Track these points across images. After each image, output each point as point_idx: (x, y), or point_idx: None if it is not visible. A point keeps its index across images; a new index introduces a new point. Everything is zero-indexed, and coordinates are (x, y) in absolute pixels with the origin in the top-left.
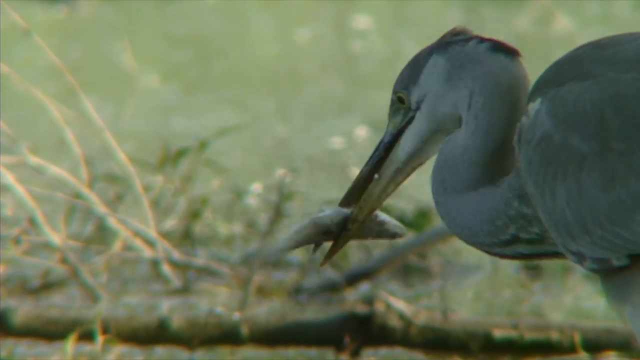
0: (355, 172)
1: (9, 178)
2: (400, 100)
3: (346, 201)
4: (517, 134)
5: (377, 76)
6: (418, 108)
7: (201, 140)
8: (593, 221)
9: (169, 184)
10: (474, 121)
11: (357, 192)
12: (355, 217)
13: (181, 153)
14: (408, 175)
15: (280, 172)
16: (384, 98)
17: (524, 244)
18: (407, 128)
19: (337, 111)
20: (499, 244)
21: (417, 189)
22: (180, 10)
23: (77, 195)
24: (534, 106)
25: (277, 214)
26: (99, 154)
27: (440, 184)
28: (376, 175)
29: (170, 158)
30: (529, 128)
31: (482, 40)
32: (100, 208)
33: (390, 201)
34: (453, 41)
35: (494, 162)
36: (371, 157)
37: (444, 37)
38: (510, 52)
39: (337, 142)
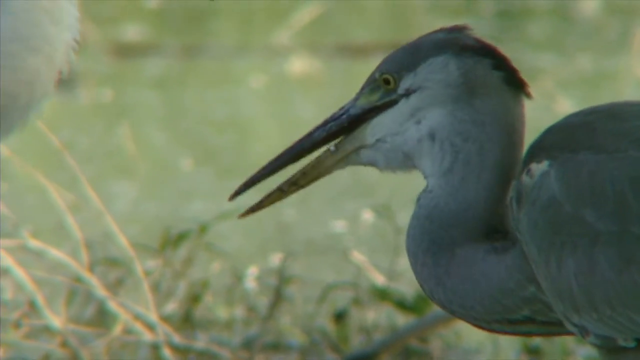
0: (356, 256)
1: (10, 261)
2: (385, 81)
3: (288, 158)
4: (514, 192)
5: None
6: (406, 96)
7: (201, 224)
8: (603, 300)
9: (170, 267)
10: (466, 165)
11: (301, 153)
12: (296, 181)
13: (182, 237)
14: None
15: (279, 255)
16: (398, 183)
17: (538, 325)
18: (385, 111)
19: (357, 194)
20: (503, 322)
21: None
22: (223, 95)
23: (78, 279)
24: (539, 167)
25: (277, 297)
26: (101, 238)
27: (431, 242)
28: (332, 148)
29: (171, 242)
30: (533, 189)
31: (497, 65)
32: (101, 291)
33: (389, 284)
34: (467, 48)
35: (492, 211)
36: (327, 123)
37: (454, 35)
38: (520, 87)
39: (339, 225)
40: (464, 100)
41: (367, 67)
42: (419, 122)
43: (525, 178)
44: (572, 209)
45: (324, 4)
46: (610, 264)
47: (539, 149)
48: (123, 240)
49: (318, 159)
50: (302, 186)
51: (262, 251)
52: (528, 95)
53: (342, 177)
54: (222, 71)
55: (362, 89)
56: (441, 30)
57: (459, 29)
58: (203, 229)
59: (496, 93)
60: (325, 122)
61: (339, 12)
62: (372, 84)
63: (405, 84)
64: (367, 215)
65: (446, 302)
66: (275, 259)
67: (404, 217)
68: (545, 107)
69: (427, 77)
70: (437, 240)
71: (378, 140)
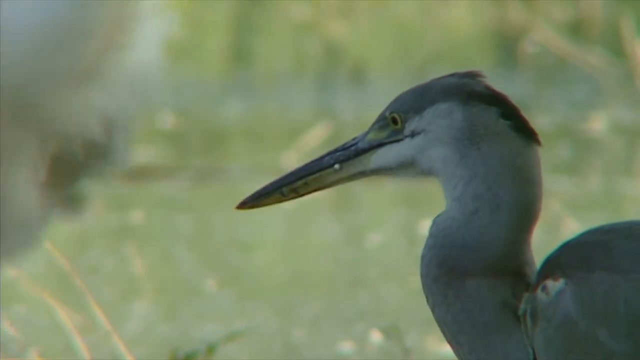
0: None
1: None
2: (393, 120)
3: (298, 174)
4: (529, 306)
5: None
6: (410, 136)
7: (209, 345)
8: None
9: None
10: (476, 200)
11: (310, 173)
12: (296, 189)
13: (189, 358)
14: (360, 179)
15: None
16: (406, 304)
17: None
18: (390, 144)
19: (366, 314)
20: None
21: None
22: (252, 218)
23: None
24: (555, 285)
25: None
26: (109, 358)
27: (443, 261)
28: (337, 166)
29: None
30: (549, 306)
31: (504, 113)
32: None
33: None
34: (474, 96)
35: (507, 256)
36: (336, 152)
37: (464, 81)
38: (529, 136)
39: (347, 346)
40: (469, 141)
41: (383, 188)
42: (425, 154)
43: (540, 294)
44: (586, 328)
45: (334, 123)
46: None
47: (555, 266)
48: None
49: (321, 173)
50: (301, 195)
51: None
52: (538, 143)
53: (353, 299)
54: (243, 193)
55: (373, 124)
56: (454, 75)
57: (471, 75)
58: (211, 349)
59: (503, 139)
60: (336, 150)
61: (350, 133)
62: (381, 121)
63: (410, 125)
64: (376, 336)
65: (444, 321)
66: None
67: (412, 338)
68: (553, 230)
69: (431, 121)
70: (449, 261)
71: (378, 169)
